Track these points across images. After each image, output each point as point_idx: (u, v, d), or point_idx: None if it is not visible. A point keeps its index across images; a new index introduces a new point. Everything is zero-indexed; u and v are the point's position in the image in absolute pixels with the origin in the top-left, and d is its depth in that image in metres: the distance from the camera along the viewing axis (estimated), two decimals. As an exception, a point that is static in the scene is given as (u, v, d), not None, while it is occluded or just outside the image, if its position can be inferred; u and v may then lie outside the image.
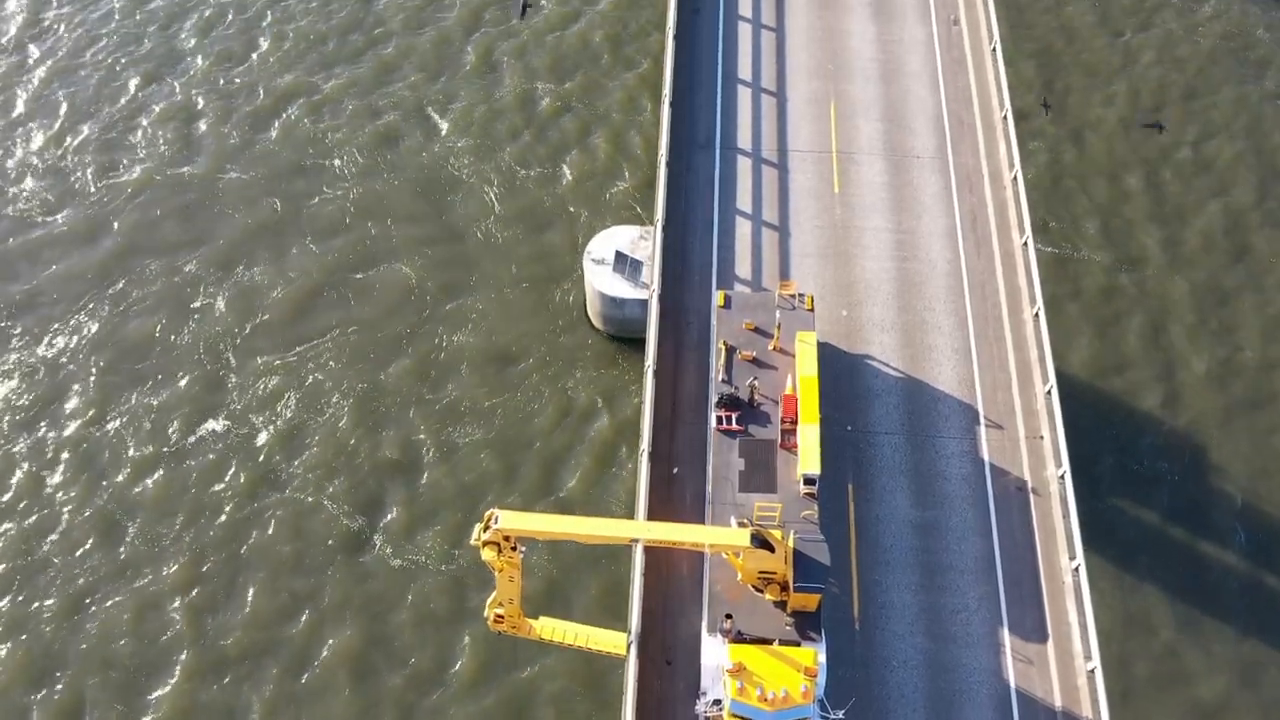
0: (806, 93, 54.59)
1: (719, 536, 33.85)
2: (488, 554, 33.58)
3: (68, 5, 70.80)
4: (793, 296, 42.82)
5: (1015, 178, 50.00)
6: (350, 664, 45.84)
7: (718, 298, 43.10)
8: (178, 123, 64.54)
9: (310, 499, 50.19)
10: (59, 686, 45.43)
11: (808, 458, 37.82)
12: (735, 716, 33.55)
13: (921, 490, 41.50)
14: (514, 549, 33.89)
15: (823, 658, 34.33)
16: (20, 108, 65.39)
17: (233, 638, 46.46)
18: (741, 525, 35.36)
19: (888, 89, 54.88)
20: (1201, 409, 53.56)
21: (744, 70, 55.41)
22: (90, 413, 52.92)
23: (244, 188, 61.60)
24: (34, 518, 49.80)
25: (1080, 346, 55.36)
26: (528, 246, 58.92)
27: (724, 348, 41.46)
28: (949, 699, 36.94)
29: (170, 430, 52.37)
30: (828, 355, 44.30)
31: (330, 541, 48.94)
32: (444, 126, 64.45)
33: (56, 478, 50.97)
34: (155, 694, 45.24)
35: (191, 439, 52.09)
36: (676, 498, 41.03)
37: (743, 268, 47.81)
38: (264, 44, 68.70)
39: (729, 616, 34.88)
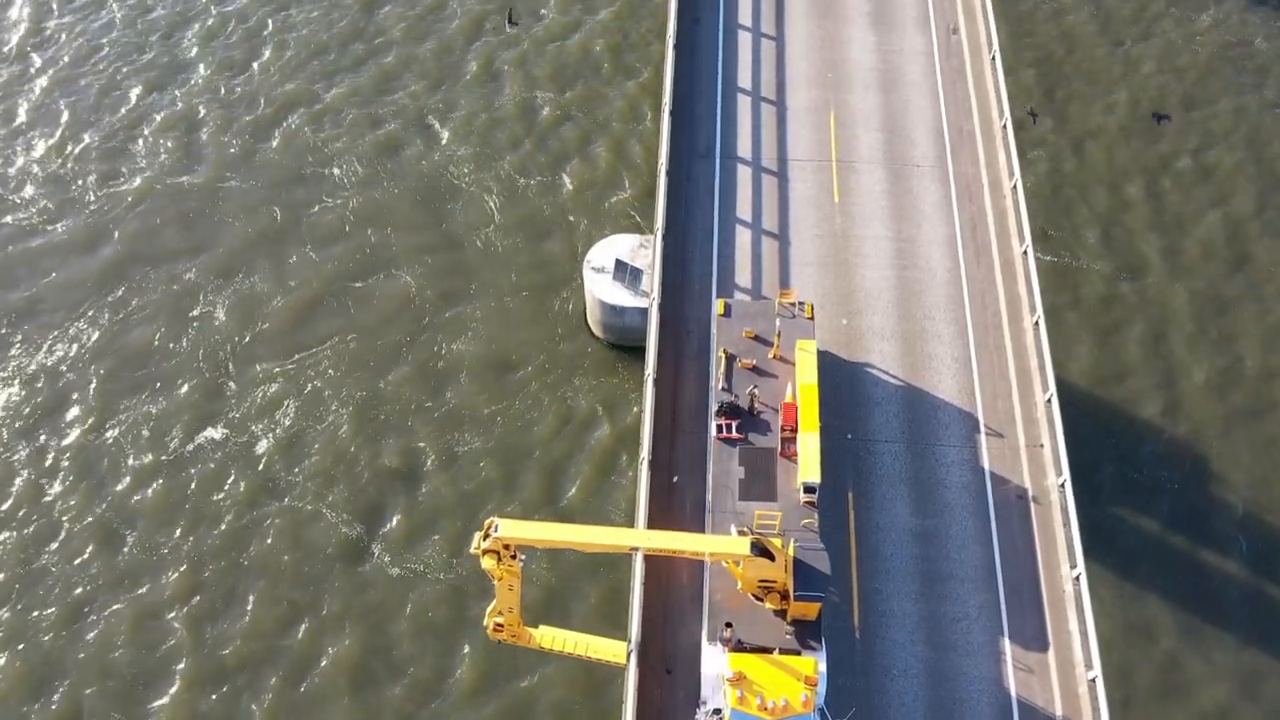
0: (806, 102, 54.68)
1: (719, 545, 33.81)
2: (487, 562, 33.55)
3: (69, 14, 71.02)
4: (793, 305, 42.83)
5: (1015, 186, 50.05)
6: (350, 673, 45.74)
7: (718, 306, 43.11)
8: (179, 132, 64.67)
9: (310, 508, 50.14)
10: (57, 696, 45.32)
11: (808, 466, 37.78)
12: (735, 726, 33.47)
13: (922, 498, 41.44)
14: (514, 557, 33.85)
15: (823, 666, 34.26)
16: (22, 116, 65.54)
17: (232, 647, 46.37)
18: (742, 534, 35.36)
19: (887, 98, 54.98)
20: (1202, 417, 53.52)
21: (744, 79, 55.52)
22: (90, 421, 52.91)
23: (244, 196, 61.70)
24: (33, 526, 49.75)
25: (1080, 355, 55.35)
26: (528, 255, 58.97)
27: (724, 356, 41.46)
28: (950, 708, 36.84)
29: (170, 439, 52.36)
30: (828, 363, 44.29)
31: (330, 550, 48.88)
32: (445, 135, 64.57)
33: (56, 486, 50.94)
34: (154, 704, 45.13)
35: (191, 447, 52.06)
36: (676, 506, 40.98)
37: (743, 276, 47.84)
38: (265, 53, 68.87)
39: (729, 625, 34.81)
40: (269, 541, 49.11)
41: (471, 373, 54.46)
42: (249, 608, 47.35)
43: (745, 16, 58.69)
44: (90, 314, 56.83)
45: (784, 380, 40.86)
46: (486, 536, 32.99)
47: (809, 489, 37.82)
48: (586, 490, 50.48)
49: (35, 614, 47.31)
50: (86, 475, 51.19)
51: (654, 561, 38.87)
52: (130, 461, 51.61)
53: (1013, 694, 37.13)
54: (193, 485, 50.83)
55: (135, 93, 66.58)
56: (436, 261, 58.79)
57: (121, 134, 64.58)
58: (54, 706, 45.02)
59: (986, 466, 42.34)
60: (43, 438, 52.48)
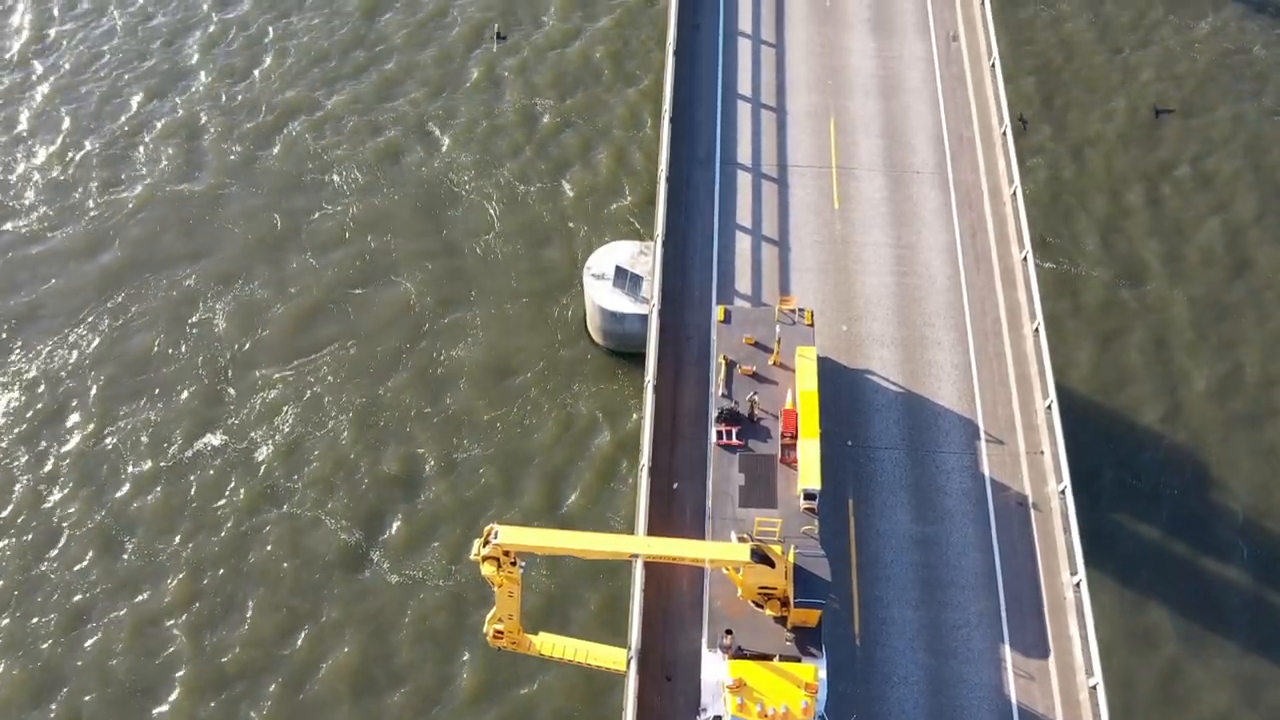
0: (806, 108, 54.76)
1: (719, 552, 33.76)
2: (487, 569, 33.51)
3: (71, 22, 71.17)
4: (793, 311, 42.83)
5: (1015, 193, 50.10)
6: (350, 681, 45.66)
7: (718, 313, 43.12)
8: (180, 139, 64.77)
9: (310, 514, 50.11)
10: (56, 704, 45.23)
11: (808, 473, 37.76)
12: (735, 733, 33.41)
13: (922, 505, 41.41)
14: (513, 564, 33.81)
15: (823, 673, 34.20)
16: (24, 123, 65.64)
17: (232, 654, 46.31)
18: (742, 540, 35.31)
19: (887, 104, 55.06)
20: (1202, 424, 53.50)
21: (744, 86, 55.60)
22: (90, 427, 52.91)
23: (245, 203, 61.77)
24: (33, 533, 49.72)
25: (1081, 362, 55.35)
26: (528, 261, 59.02)
27: (724, 363, 41.45)
28: (950, 715, 36.76)
29: (170, 445, 52.35)
30: (828, 370, 44.28)
31: (329, 557, 48.84)
32: (445, 142, 64.66)
33: (56, 492, 50.91)
34: (154, 710, 45.05)
35: (191, 454, 52.05)
36: (676, 513, 40.95)
37: (742, 283, 47.85)
38: (267, 60, 69.00)
39: (729, 632, 34.76)
40: (269, 548, 49.08)
41: (471, 379, 54.46)
42: (249, 615, 47.30)
43: (745, 23, 58.81)
44: (91, 320, 56.86)
45: (784, 387, 40.85)
46: (486, 543, 32.95)
47: (809, 495, 37.79)
48: (587, 497, 50.45)
49: (35, 621, 47.26)
50: (86, 482, 51.17)
51: (654, 568, 38.82)
52: (130, 468, 51.60)
53: (1013, 701, 37.06)
54: (192, 492, 50.81)
55: (136, 100, 66.70)
56: (436, 268, 58.83)
57: (122, 141, 64.68)
58: (53, 713, 44.95)
59: (987, 473, 42.32)
60: (43, 444, 52.47)
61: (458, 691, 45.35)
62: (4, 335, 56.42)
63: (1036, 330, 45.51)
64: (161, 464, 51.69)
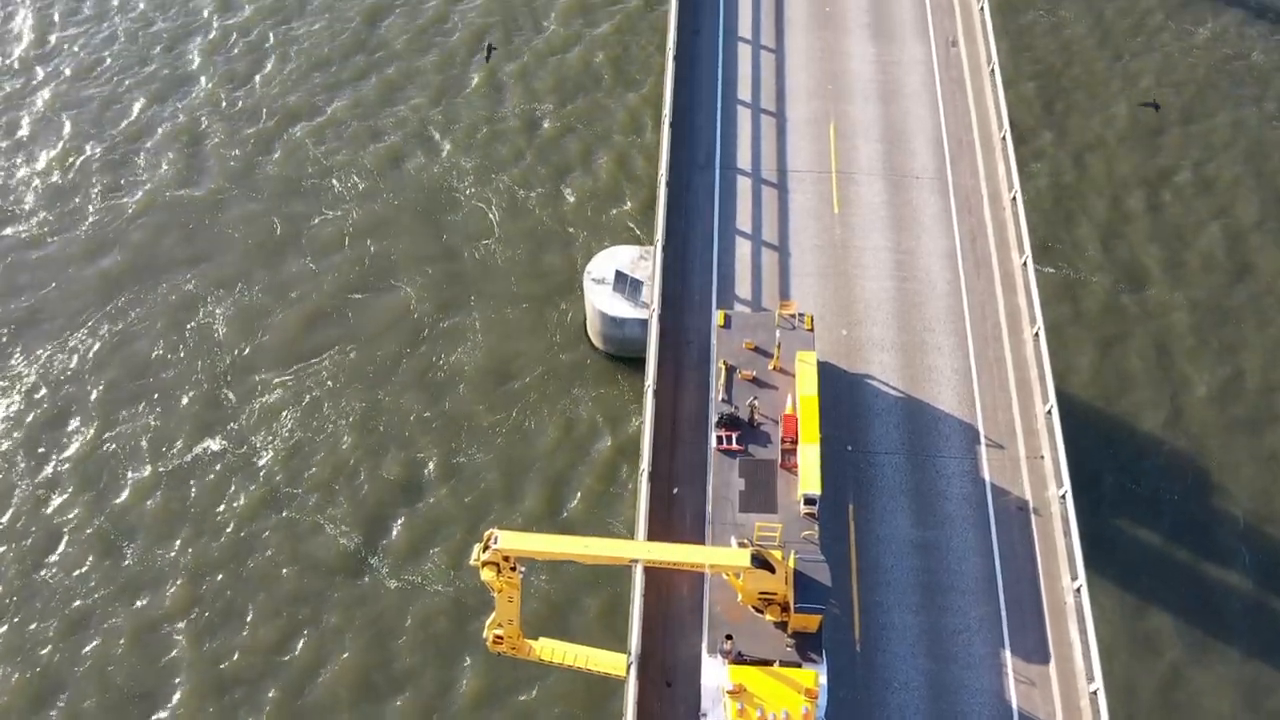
0: (806, 113, 54.80)
1: (719, 557, 33.72)
2: (487, 574, 33.48)
3: (72, 27, 71.31)
4: (793, 316, 42.82)
5: (1015, 198, 50.10)
6: (351, 686, 45.61)
7: (718, 317, 43.11)
8: (181, 144, 64.86)
9: (310, 520, 50.09)
10: (56, 711, 45.18)
11: (808, 478, 37.72)
12: (735, 738, 33.34)
13: (922, 510, 41.37)
14: (513, 569, 33.79)
15: (823, 679, 34.13)
16: (25, 128, 65.75)
17: (232, 659, 46.27)
18: (742, 546, 35.25)
19: (887, 109, 55.10)
20: (1203, 429, 53.45)
21: (744, 91, 55.65)
22: (90, 432, 52.91)
23: (245, 208, 61.84)
24: (33, 538, 49.71)
25: (1081, 367, 55.33)
26: (528, 266, 59.05)
27: (724, 367, 41.44)
28: (951, 721, 36.71)
29: (170, 450, 52.34)
30: (828, 375, 44.26)
31: (330, 563, 48.80)
32: (446, 147, 64.73)
33: (56, 498, 50.91)
34: (154, 716, 45.00)
35: (191, 459, 52.05)
36: (676, 518, 40.91)
37: (742, 287, 47.86)
38: (268, 66, 69.11)
39: (729, 637, 34.71)
40: (269, 553, 49.05)
41: (471, 384, 54.47)
42: (249, 620, 47.25)
43: (745, 28, 58.87)
44: (91, 325, 56.90)
45: (784, 392, 40.83)
46: (486, 548, 32.94)
47: (809, 501, 37.75)
48: (587, 501, 50.42)
49: (35, 626, 47.23)
50: (86, 486, 51.16)
51: (654, 573, 38.78)
52: (130, 473, 51.59)
53: (1014, 707, 36.99)
54: (193, 497, 50.80)
55: (137, 105, 66.80)
56: (437, 273, 58.87)
57: (123, 146, 64.78)
58: (53, 719, 44.89)
59: (987, 478, 42.28)
60: (43, 449, 52.48)
61: (458, 697, 45.29)
62: (4, 340, 56.45)
63: (1037, 335, 45.49)
64: (161, 469, 51.69)
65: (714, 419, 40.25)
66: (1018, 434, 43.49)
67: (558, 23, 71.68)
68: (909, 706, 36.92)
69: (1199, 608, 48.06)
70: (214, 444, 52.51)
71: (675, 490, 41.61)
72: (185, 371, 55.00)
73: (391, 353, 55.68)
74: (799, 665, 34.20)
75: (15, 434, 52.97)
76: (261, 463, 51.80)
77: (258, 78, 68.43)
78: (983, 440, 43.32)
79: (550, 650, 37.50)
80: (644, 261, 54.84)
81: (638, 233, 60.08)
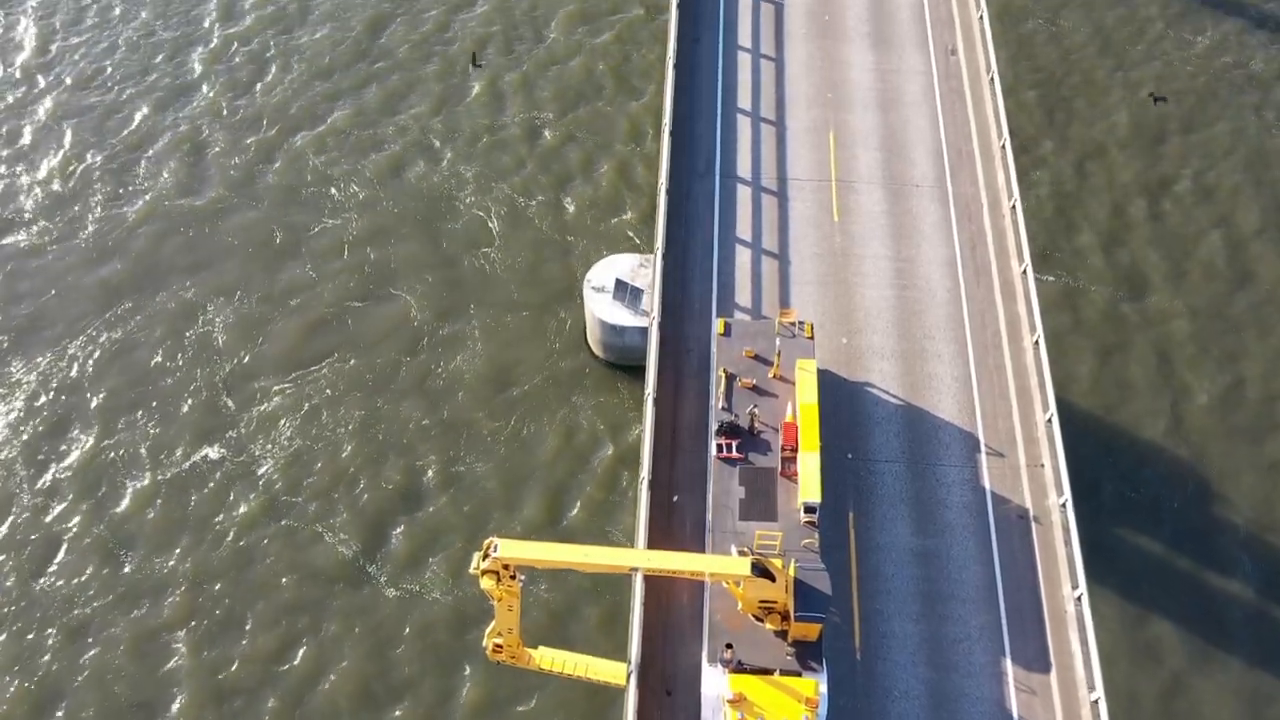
0: (806, 121, 54.88)
1: (719, 565, 33.67)
2: (486, 583, 33.42)
3: (75, 37, 71.51)
4: (793, 324, 42.83)
5: (1014, 206, 50.14)
6: (350, 695, 45.50)
7: (718, 325, 43.13)
8: (182, 153, 64.99)
9: (310, 528, 50.04)
10: (55, 719, 45.11)
11: (808, 486, 37.68)
12: (735, 747, 33.25)
13: (922, 518, 41.31)
14: (513, 578, 33.73)
15: (824, 688, 34.06)
16: (27, 137, 65.90)
17: (232, 669, 46.17)
18: (742, 554, 35.22)
19: (886, 118, 55.17)
20: (1204, 437, 53.39)
21: (744, 99, 55.74)
22: (90, 441, 52.91)
23: (246, 217, 61.92)
24: (32, 547, 49.66)
25: (1081, 375, 55.29)
26: (528, 274, 59.09)
27: (724, 375, 41.43)
28: (951, 730, 36.60)
29: (170, 458, 52.33)
30: (828, 383, 44.25)
31: (330, 571, 48.73)
32: (447, 156, 64.83)
33: (55, 506, 50.88)
34: (152, 724, 44.94)
35: (191, 468, 52.03)
36: (676, 526, 40.86)
37: (742, 295, 47.87)
38: (269, 75, 69.28)
39: (729, 646, 34.64)
40: (269, 561, 48.99)
41: (471, 392, 54.46)
42: (248, 629, 47.18)
43: (745, 37, 59.01)
44: (91, 333, 56.93)
45: (784, 400, 40.82)
46: (485, 557, 32.89)
47: (809, 509, 37.70)
48: (587, 510, 50.36)
49: (35, 635, 47.16)
50: (86, 495, 51.14)
51: (654, 582, 38.71)
52: (130, 481, 51.57)
53: (1015, 715, 36.87)
54: (192, 505, 50.76)
55: (139, 114, 66.95)
56: (437, 281, 58.91)
57: (124, 155, 64.91)
58: (51, 728, 44.86)
59: (987, 486, 42.22)
60: (43, 456, 52.48)
61: (458, 707, 45.18)
62: (5, 347, 56.49)
63: (1037, 343, 45.47)
64: (161, 477, 51.66)
65: (714, 427, 40.23)
66: (1018, 442, 43.45)
67: (559, 32, 71.86)
68: (909, 715, 36.81)
69: (1200, 616, 47.94)
70: (213, 452, 52.49)
71: (675, 498, 41.57)
72: (185, 379, 55.01)
73: (391, 361, 55.69)
74: (799, 674, 34.13)
75: (15, 442, 52.97)
76: (261, 471, 51.78)
77: (259, 86, 68.59)
78: (983, 448, 43.28)
79: (550, 659, 37.41)
80: (644, 269, 54.88)
81: (638, 241, 60.13)
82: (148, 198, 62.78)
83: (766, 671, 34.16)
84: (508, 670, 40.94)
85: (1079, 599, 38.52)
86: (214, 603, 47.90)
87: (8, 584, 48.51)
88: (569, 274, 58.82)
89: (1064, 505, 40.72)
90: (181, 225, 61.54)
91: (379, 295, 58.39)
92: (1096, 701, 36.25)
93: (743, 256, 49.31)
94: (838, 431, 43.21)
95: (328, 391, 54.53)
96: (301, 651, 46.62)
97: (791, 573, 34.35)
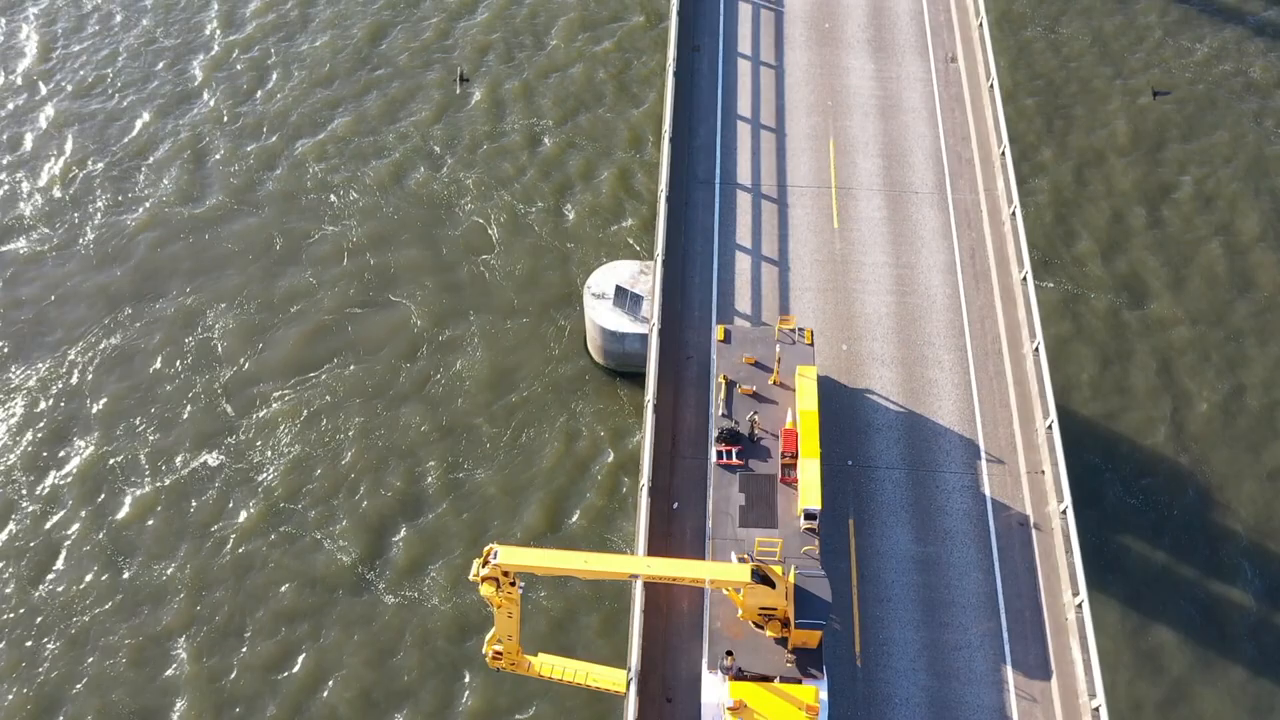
0: (806, 128, 54.96)
1: (719, 572, 33.62)
2: (486, 590, 33.40)
3: (76, 44, 71.67)
4: (792, 331, 42.84)
5: (1014, 212, 50.16)
6: (350, 703, 45.43)
7: (717, 332, 43.13)
8: (183, 160, 65.08)
9: (310, 535, 50.00)
10: (54, 724, 45.11)
11: (808, 492, 37.66)
12: (735, 755, 33.19)
13: (923, 525, 41.27)
14: (513, 585, 33.70)
15: (824, 695, 33.98)
16: (28, 144, 66.01)
17: (232, 676, 46.10)
18: (742, 561, 35.15)
19: (886, 125, 55.25)
20: (1205, 444, 53.35)
21: (744, 106, 55.83)
22: (90, 447, 52.90)
23: (247, 223, 61.98)
24: (32, 554, 49.62)
25: (1082, 382, 55.28)
26: (528, 281, 59.14)
27: (724, 382, 41.43)
28: (952, 737, 36.51)
29: (170, 465, 52.32)
30: (828, 389, 44.24)
31: (330, 579, 48.69)
32: (447, 162, 64.91)
33: (55, 513, 50.85)
34: (151, 732, 44.87)
35: (192, 475, 52.01)
36: (676, 533, 40.82)
37: (742, 302, 47.89)
38: (270, 82, 69.40)
39: (729, 653, 34.58)
40: (269, 568, 48.95)
41: (472, 398, 54.46)
42: (249, 636, 47.12)
43: (745, 45, 59.11)
44: (92, 339, 56.97)
45: (784, 406, 40.80)
46: (485, 563, 32.87)
47: (810, 515, 37.67)
48: (587, 516, 50.33)
49: (34, 643, 47.10)
50: (86, 501, 51.12)
51: (654, 589, 38.67)
52: (130, 488, 51.55)
53: (1016, 723, 36.81)
54: (192, 512, 50.74)
55: (140, 121, 67.07)
56: (437, 288, 58.95)
57: (126, 162, 65.01)
58: (50, 735, 44.79)
59: (987, 493, 42.18)
60: (44, 464, 52.47)
61: (458, 714, 45.09)
62: (5, 353, 56.52)
63: (1036, 350, 45.46)
64: (161, 484, 51.64)
65: (714, 434, 40.21)
66: (1018, 449, 43.42)
67: (560, 39, 72.00)
68: (910, 723, 36.74)
69: (1201, 623, 47.86)
70: (213, 459, 52.48)
71: (675, 505, 41.54)
72: (185, 386, 55.03)
73: (391, 367, 55.70)
74: (799, 681, 34.07)
75: (15, 448, 52.97)
76: (261, 478, 51.76)
77: (260, 94, 68.72)
78: (983, 455, 43.25)
79: (550, 666, 37.35)
80: (644, 276, 54.90)
81: (638, 248, 60.17)
82: (148, 204, 62.86)
83: (767, 678, 34.10)
84: (508, 677, 40.91)
85: (1080, 606, 38.45)
86: (214, 610, 47.85)
87: (7, 591, 48.47)
88: (569, 281, 58.87)
89: (1064, 512, 40.67)
90: (182, 232, 61.62)
91: (379, 302, 58.43)
92: (1098, 709, 36.16)
93: (743, 263, 49.33)
94: (838, 438, 43.19)
95: (327, 398, 54.53)
96: (301, 659, 46.56)
97: (792, 579, 34.30)
